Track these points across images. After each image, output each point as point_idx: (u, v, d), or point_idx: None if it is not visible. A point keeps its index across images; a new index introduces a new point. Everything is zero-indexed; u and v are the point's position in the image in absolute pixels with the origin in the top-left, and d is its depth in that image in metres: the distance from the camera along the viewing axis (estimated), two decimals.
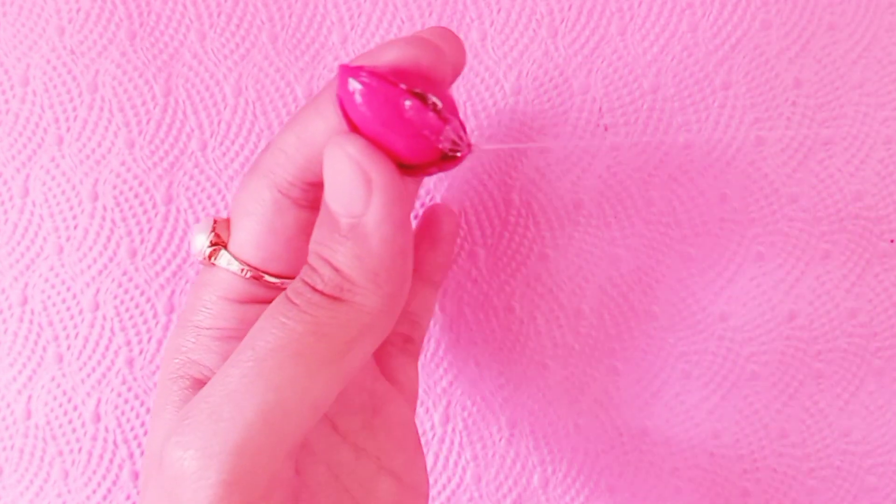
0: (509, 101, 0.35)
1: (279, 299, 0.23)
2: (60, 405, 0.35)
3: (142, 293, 0.35)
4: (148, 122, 0.35)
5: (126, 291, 0.35)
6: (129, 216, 0.35)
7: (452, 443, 0.36)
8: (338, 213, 0.22)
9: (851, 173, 0.35)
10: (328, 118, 0.24)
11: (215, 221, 0.26)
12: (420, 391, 0.35)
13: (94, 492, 0.35)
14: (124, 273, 0.35)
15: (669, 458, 0.36)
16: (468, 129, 0.24)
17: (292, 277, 0.26)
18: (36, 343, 0.35)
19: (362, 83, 0.22)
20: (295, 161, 0.24)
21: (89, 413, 0.35)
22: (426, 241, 0.32)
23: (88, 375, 0.35)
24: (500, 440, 0.36)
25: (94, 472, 0.35)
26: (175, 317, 0.35)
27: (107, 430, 0.35)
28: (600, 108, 0.35)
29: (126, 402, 0.35)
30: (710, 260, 0.35)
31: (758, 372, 0.35)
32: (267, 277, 0.26)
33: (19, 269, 0.35)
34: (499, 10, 0.35)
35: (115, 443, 0.35)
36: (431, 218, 0.33)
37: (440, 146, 0.23)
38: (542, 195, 0.35)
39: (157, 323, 0.35)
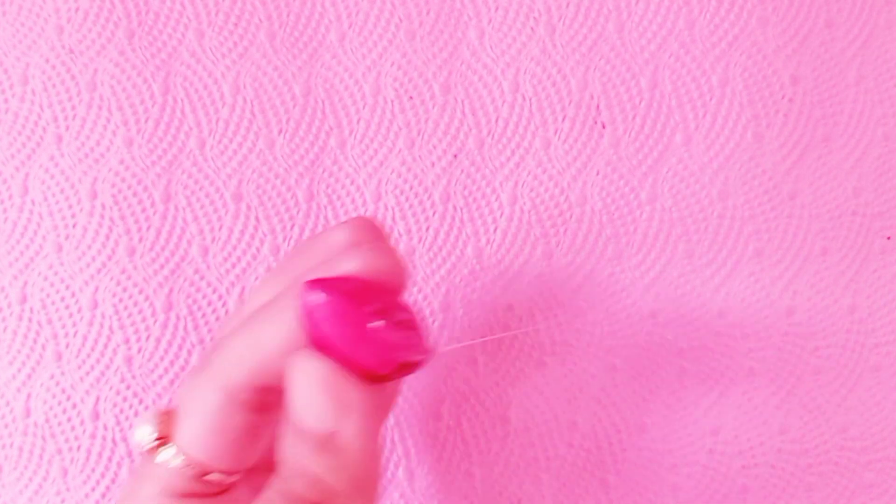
0: (507, 99, 0.35)
1: None
2: (59, 403, 0.35)
3: (140, 291, 0.35)
4: (146, 121, 0.35)
5: (125, 290, 0.35)
6: (127, 214, 0.35)
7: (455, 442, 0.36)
8: (311, 427, 0.23)
9: (849, 170, 0.35)
10: (283, 327, 0.24)
11: (160, 414, 0.26)
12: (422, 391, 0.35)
13: (93, 489, 0.35)
14: (123, 271, 0.35)
15: (668, 455, 0.36)
16: (427, 333, 0.26)
17: (234, 473, 0.26)
18: (35, 341, 0.35)
19: (326, 303, 0.23)
20: (246, 366, 0.25)
21: (88, 411, 0.35)
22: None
23: (87, 373, 0.35)
24: (501, 437, 0.36)
25: (93, 470, 0.35)
26: (173, 315, 0.35)
27: (105, 427, 0.35)
28: (598, 106, 0.35)
29: (125, 399, 0.35)
30: (708, 256, 0.35)
31: (756, 368, 0.35)
32: (210, 476, 0.26)
33: (18, 267, 0.35)
34: (496, 8, 0.35)
35: (113, 440, 0.35)
36: None
37: (402, 360, 0.24)
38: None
39: (155, 321, 0.35)
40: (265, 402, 0.25)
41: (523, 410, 0.35)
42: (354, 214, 0.35)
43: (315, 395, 0.23)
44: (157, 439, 0.26)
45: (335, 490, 0.23)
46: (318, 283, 0.23)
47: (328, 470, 0.23)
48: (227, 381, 0.25)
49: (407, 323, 0.25)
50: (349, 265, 0.24)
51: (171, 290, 0.35)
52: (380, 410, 0.25)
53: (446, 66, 0.35)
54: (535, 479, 0.36)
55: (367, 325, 0.23)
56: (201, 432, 0.25)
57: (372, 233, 0.27)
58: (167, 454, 0.26)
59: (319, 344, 0.23)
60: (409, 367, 0.24)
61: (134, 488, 0.26)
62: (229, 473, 0.26)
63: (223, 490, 0.26)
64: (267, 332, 0.24)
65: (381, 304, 0.24)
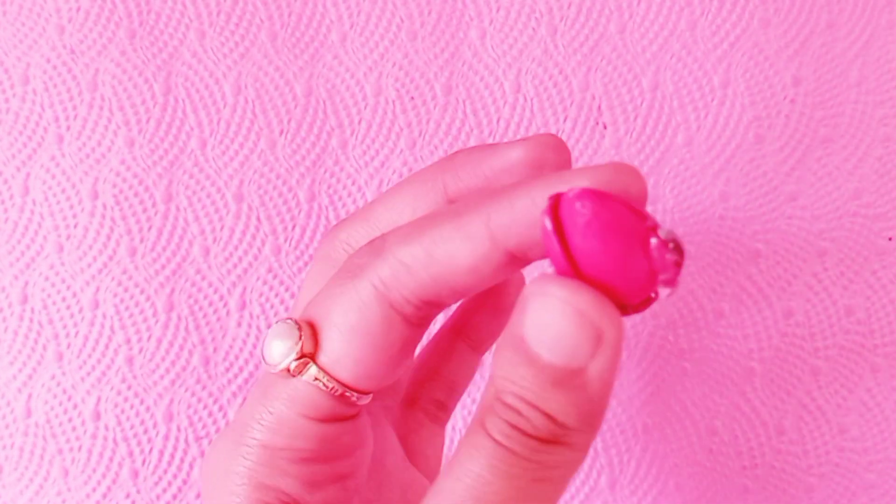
0: (509, 100, 0.35)
1: (485, 444, 0.20)
2: (60, 403, 0.35)
3: (141, 291, 0.35)
4: (148, 121, 0.35)
5: (126, 290, 0.35)
6: (128, 215, 0.35)
7: None
8: (550, 361, 0.20)
9: (850, 171, 0.35)
10: (475, 241, 0.21)
11: (299, 327, 0.23)
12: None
13: (94, 490, 0.35)
14: (124, 271, 0.35)
15: (669, 455, 0.36)
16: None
17: (370, 394, 0.24)
18: (36, 341, 0.35)
19: (602, 210, 0.19)
20: (419, 278, 0.22)
21: (89, 411, 0.35)
22: (487, 308, 0.30)
23: (88, 374, 0.35)
24: None
25: (94, 471, 0.35)
26: (174, 315, 0.35)
27: (106, 428, 0.35)
28: (599, 106, 0.35)
29: (126, 400, 0.35)
30: (709, 258, 0.35)
31: (756, 369, 0.36)
32: (355, 397, 0.23)
33: (19, 267, 0.35)
34: (498, 9, 0.35)
35: (114, 441, 0.35)
36: (500, 285, 0.30)
37: (658, 289, 0.20)
38: None
39: (156, 321, 0.35)
40: (426, 315, 0.23)
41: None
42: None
43: (568, 328, 0.20)
44: (301, 356, 0.23)
45: (567, 426, 0.20)
46: (587, 193, 0.20)
47: (563, 406, 0.20)
48: (391, 292, 0.22)
49: (676, 245, 0.20)
50: (596, 177, 0.20)
51: (172, 291, 0.35)
52: None
53: (448, 67, 0.35)
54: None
55: (651, 243, 0.20)
56: (356, 348, 0.22)
57: (562, 154, 0.24)
58: (311, 373, 0.23)
59: (570, 261, 0.20)
60: (649, 302, 0.21)
61: (259, 411, 0.23)
62: (367, 394, 0.23)
63: (355, 414, 0.24)
64: (451, 244, 0.22)
65: (652, 220, 0.20)
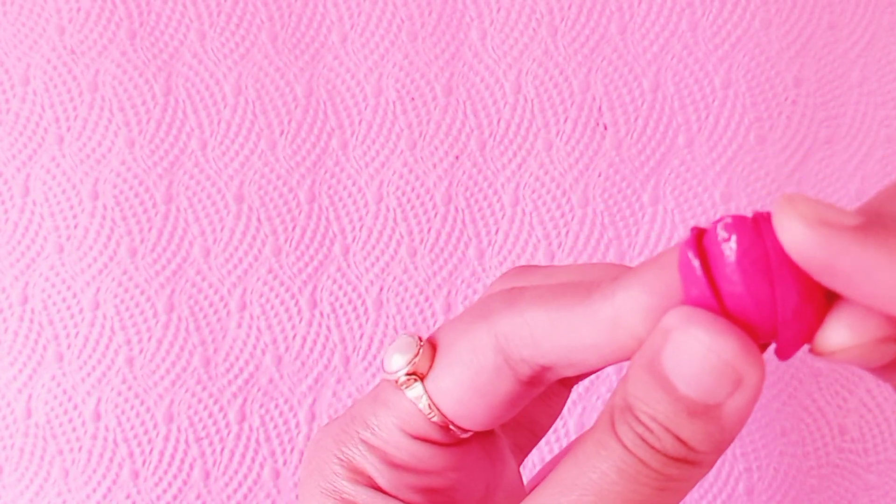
0: (509, 101, 0.35)
1: (614, 447, 0.21)
2: (60, 404, 0.35)
3: (142, 292, 0.35)
4: (148, 122, 0.35)
5: (126, 290, 0.35)
6: (129, 215, 0.35)
7: None
8: (687, 395, 0.20)
9: (851, 172, 0.35)
10: (602, 328, 0.21)
11: (420, 345, 0.24)
12: None
13: (95, 490, 0.35)
14: (124, 272, 0.35)
15: None
16: None
17: (469, 431, 0.24)
18: (36, 342, 0.35)
19: (752, 249, 0.18)
20: (539, 345, 0.22)
21: (89, 412, 0.35)
22: None
23: (88, 374, 0.35)
24: None
25: (95, 471, 0.35)
26: (175, 316, 0.35)
27: (107, 428, 0.35)
28: (600, 107, 0.35)
29: (126, 401, 0.35)
30: None
31: None
32: (453, 427, 0.24)
33: (20, 268, 0.35)
34: (498, 10, 0.35)
35: (115, 441, 0.35)
36: None
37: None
38: None
39: (157, 322, 0.35)
40: (539, 378, 0.23)
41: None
42: (356, 215, 0.35)
43: (709, 372, 0.20)
44: (409, 374, 0.23)
45: (698, 451, 0.21)
46: (737, 225, 0.18)
47: (696, 434, 0.20)
48: (509, 348, 0.22)
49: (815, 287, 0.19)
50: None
51: (172, 292, 0.35)
52: None
53: (448, 68, 0.35)
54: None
55: (808, 280, 0.18)
56: (461, 387, 0.23)
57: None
58: (415, 393, 0.23)
59: (720, 304, 0.19)
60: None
61: (368, 411, 0.24)
62: (465, 431, 0.24)
63: (458, 442, 0.24)
64: (576, 320, 0.21)
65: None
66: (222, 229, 0.35)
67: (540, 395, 0.28)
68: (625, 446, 0.21)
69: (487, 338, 0.23)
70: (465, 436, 0.24)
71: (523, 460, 0.29)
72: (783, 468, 0.36)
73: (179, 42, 0.35)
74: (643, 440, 0.20)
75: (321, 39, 0.35)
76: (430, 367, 0.23)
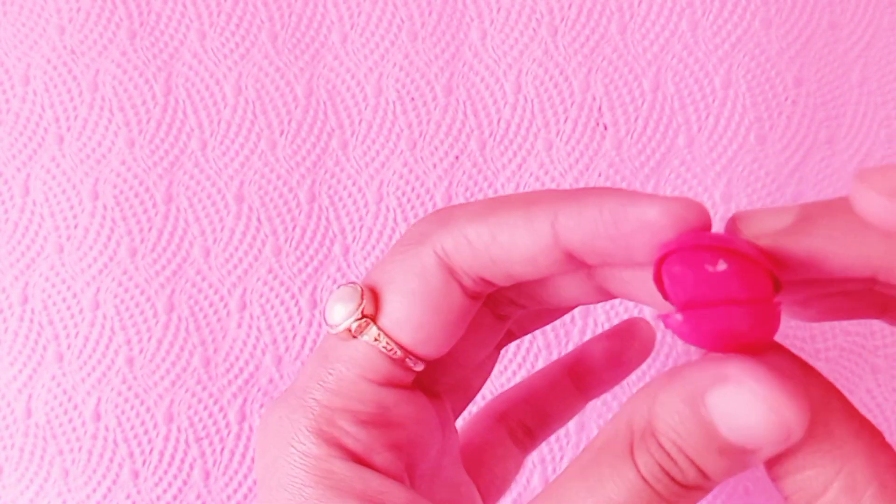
0: (509, 101, 0.35)
1: (630, 476, 0.21)
2: (61, 404, 0.35)
3: (142, 292, 0.35)
4: (148, 122, 0.35)
5: (126, 290, 0.35)
6: (129, 215, 0.35)
7: None
8: (728, 439, 0.20)
9: (852, 172, 0.35)
10: (538, 235, 0.22)
11: (361, 290, 0.24)
12: None
13: (95, 490, 0.35)
14: (124, 272, 0.35)
15: None
16: None
17: (425, 361, 0.24)
18: (36, 342, 0.35)
19: (713, 320, 0.20)
20: (479, 257, 0.23)
21: (89, 412, 0.35)
22: (611, 358, 0.30)
23: (89, 374, 0.35)
24: None
25: (95, 471, 0.35)
26: (175, 316, 0.35)
27: (107, 428, 0.35)
28: (600, 107, 0.35)
29: (126, 401, 0.35)
30: None
31: None
32: (412, 362, 0.24)
33: (20, 268, 0.35)
34: (499, 10, 0.35)
35: (115, 441, 0.35)
36: (627, 333, 0.30)
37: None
38: None
39: (157, 322, 0.35)
40: (481, 291, 0.24)
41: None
42: (356, 215, 0.35)
43: (762, 426, 0.20)
44: (362, 316, 0.23)
45: (714, 480, 0.21)
46: (719, 240, 0.20)
47: (720, 467, 0.21)
48: (452, 262, 0.23)
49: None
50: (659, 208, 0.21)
51: (172, 292, 0.35)
52: None
53: (448, 68, 0.35)
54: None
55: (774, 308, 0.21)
56: (417, 311, 0.23)
57: (703, 219, 0.23)
58: (371, 335, 0.23)
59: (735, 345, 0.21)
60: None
61: (320, 371, 0.24)
62: (424, 360, 0.24)
63: (411, 382, 0.25)
64: (516, 232, 0.22)
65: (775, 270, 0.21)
66: (222, 229, 0.35)
67: (555, 390, 0.29)
68: (643, 477, 0.21)
69: (430, 258, 0.23)
70: (420, 367, 0.24)
71: (531, 448, 0.30)
72: None
73: (179, 42, 0.35)
74: (663, 470, 0.21)
75: (321, 39, 0.35)
76: (378, 307, 0.24)
